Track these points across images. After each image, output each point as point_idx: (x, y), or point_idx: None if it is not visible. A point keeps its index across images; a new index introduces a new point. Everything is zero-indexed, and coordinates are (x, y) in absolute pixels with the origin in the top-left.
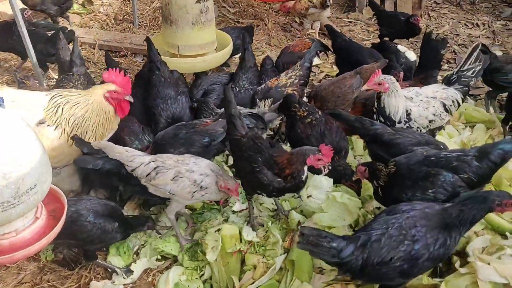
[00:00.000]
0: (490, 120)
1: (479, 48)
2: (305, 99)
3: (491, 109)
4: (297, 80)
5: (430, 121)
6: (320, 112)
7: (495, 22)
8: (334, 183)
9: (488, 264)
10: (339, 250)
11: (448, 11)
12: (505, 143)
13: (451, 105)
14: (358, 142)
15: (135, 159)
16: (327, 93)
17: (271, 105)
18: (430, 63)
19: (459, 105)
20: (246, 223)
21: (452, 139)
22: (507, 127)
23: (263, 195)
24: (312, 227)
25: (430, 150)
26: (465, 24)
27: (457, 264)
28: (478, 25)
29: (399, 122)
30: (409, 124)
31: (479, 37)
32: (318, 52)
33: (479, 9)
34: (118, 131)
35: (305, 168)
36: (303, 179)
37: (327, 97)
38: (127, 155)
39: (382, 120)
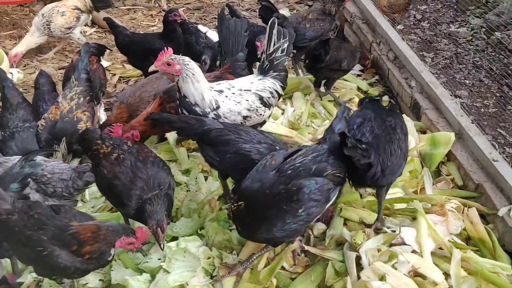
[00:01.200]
0: (305, 86)
1: (276, 24)
2: (103, 115)
3: (300, 72)
4: (82, 99)
5: (245, 117)
6: (129, 142)
7: None
8: None
9: (383, 279)
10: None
11: None
12: (336, 125)
13: (269, 97)
14: (181, 153)
15: None
16: (134, 99)
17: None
18: (232, 48)
19: (279, 95)
20: None
21: (278, 120)
22: (320, 88)
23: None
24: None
25: (275, 156)
26: None
27: (348, 285)
28: None
29: (206, 117)
30: (219, 121)
31: None
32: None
33: None
34: None
35: (112, 250)
36: (109, 259)
37: (135, 104)
38: None
39: (186, 113)
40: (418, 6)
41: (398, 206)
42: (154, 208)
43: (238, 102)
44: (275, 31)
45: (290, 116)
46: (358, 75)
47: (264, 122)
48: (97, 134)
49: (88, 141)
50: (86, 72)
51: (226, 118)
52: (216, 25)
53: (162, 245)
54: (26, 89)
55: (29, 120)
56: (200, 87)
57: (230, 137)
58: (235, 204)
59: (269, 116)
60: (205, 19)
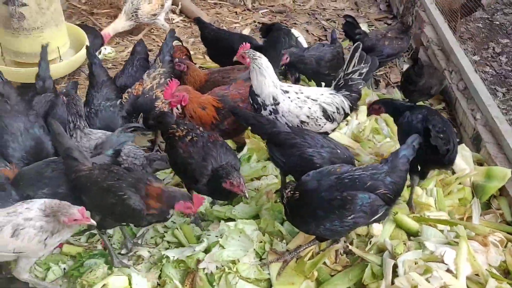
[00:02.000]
0: (370, 100)
1: (360, 48)
2: None
3: (369, 86)
4: (163, 79)
5: (302, 122)
6: (201, 128)
7: None
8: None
9: None
10: None
11: None
12: (404, 150)
13: (334, 112)
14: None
15: None
16: (210, 79)
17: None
18: (276, 60)
19: (346, 114)
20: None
21: (342, 130)
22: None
23: (129, 226)
24: None
25: (343, 166)
26: None
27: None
28: None
29: (265, 108)
30: (276, 117)
31: (344, 9)
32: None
33: None
34: None
35: (172, 211)
36: (169, 216)
37: (208, 87)
38: None
39: (251, 100)
40: (500, 39)
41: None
42: (228, 170)
43: (300, 107)
44: (357, 54)
45: (354, 128)
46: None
47: (326, 133)
48: (172, 118)
49: (164, 124)
50: (170, 55)
51: (284, 116)
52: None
53: (247, 194)
54: (115, 65)
55: (112, 99)
56: (263, 81)
57: (296, 141)
58: (291, 192)
59: (333, 130)
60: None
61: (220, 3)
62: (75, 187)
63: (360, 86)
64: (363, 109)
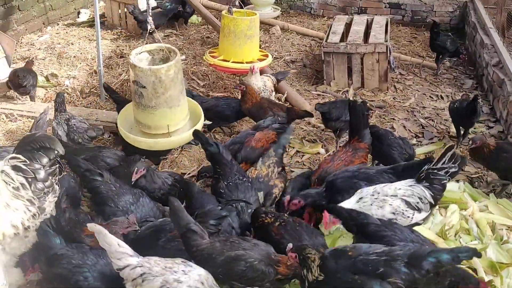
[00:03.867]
0: (462, 199)
1: (454, 150)
2: None
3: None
4: (276, 168)
5: (390, 219)
6: (285, 214)
7: (458, 94)
8: None
9: None
10: None
11: (413, 83)
12: (442, 253)
13: (418, 202)
14: None
15: (123, 258)
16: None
17: (264, 197)
18: (360, 125)
19: (431, 203)
20: None
21: (427, 225)
22: None
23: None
24: None
25: (359, 249)
26: (430, 96)
27: None
28: (442, 97)
29: None
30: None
31: (443, 109)
32: None
33: (442, 81)
34: None
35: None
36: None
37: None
38: (116, 250)
39: None
40: None
41: None
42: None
43: (381, 207)
44: (449, 154)
45: (437, 223)
46: None
47: (416, 224)
48: (262, 211)
49: (257, 216)
50: (283, 149)
51: None
52: (393, 126)
53: None
54: (234, 143)
55: (243, 173)
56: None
57: (386, 233)
58: (318, 274)
59: (424, 219)
60: (384, 118)
61: (323, 95)
62: (196, 260)
63: (444, 182)
64: (452, 208)
